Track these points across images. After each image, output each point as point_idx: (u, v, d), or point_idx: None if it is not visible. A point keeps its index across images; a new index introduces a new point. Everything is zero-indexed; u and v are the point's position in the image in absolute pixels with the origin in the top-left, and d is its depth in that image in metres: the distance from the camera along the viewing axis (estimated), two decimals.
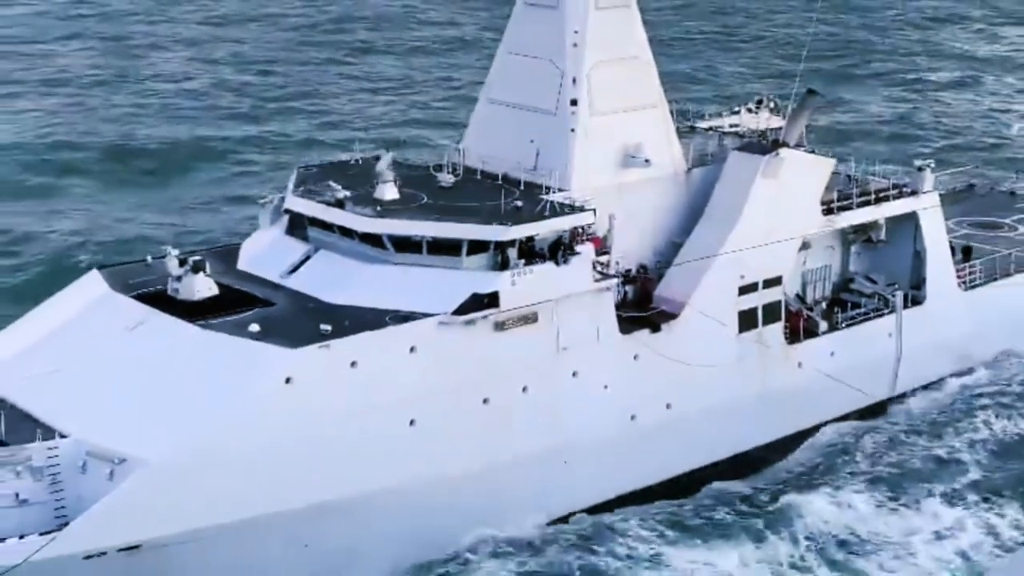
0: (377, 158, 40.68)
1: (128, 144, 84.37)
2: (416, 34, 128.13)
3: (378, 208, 36.92)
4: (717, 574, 37.06)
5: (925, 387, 48.00)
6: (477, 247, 35.91)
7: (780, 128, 45.05)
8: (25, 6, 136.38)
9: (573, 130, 40.60)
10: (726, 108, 48.71)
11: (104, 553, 29.55)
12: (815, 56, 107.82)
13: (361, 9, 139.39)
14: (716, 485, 41.41)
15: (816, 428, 44.66)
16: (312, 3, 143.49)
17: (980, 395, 48.19)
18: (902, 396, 47.20)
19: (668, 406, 39.57)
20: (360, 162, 42.29)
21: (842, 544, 38.80)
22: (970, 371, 49.52)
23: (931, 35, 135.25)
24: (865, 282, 47.34)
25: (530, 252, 36.42)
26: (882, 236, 47.28)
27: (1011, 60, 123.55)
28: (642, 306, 40.47)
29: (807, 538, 38.75)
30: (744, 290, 41.60)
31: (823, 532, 39.08)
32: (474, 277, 35.48)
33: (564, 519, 38.09)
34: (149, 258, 38.84)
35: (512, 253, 35.94)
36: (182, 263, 36.42)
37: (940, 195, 49.04)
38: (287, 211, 39.23)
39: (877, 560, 38.15)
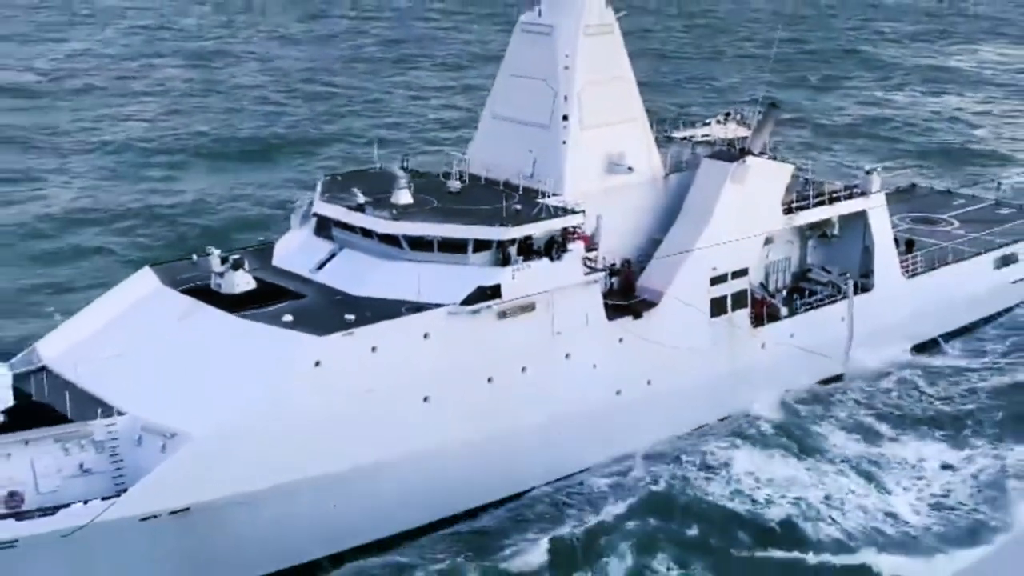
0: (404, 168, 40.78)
1: (224, 138, 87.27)
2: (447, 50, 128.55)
3: (394, 211, 36.82)
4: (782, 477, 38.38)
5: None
6: (481, 245, 35.86)
7: (746, 138, 44.96)
8: (114, 28, 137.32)
9: (565, 142, 40.57)
10: (699, 120, 48.56)
11: (157, 516, 29.63)
12: (783, 66, 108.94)
13: (405, 33, 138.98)
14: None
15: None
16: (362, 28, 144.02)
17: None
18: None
19: (649, 382, 39.57)
20: (380, 169, 42.11)
21: (872, 463, 40.23)
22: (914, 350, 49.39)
23: (886, 48, 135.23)
24: (820, 272, 47.24)
25: (528, 249, 36.37)
26: (835, 232, 47.23)
27: (961, 73, 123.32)
28: (626, 295, 40.37)
29: (842, 460, 40.10)
30: (715, 281, 41.52)
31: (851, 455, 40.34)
32: (479, 272, 35.42)
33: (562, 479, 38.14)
34: (194, 256, 38.73)
35: (512, 250, 35.91)
36: (223, 261, 36.49)
37: (886, 195, 48.87)
38: (315, 214, 39.06)
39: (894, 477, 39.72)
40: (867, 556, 34.96)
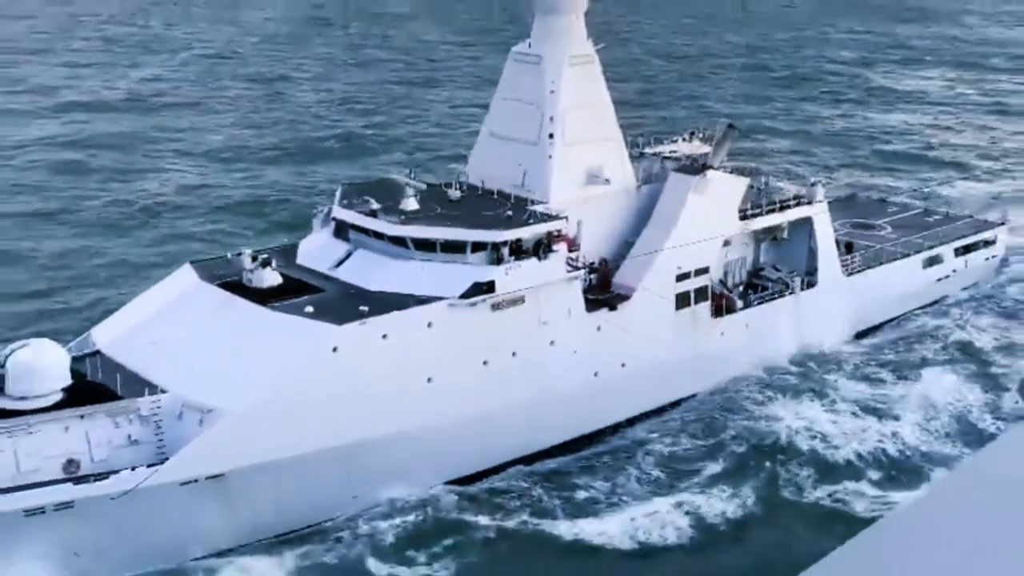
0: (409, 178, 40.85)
1: (301, 139, 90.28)
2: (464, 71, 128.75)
3: (402, 217, 36.79)
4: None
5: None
6: (478, 246, 35.85)
7: (707, 154, 44.74)
8: (184, 55, 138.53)
9: (551, 157, 40.52)
10: (667, 138, 48.51)
11: (196, 480, 29.83)
12: (755, 87, 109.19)
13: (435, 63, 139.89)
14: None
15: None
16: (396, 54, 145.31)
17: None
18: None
19: (623, 365, 39.58)
20: (390, 179, 42.13)
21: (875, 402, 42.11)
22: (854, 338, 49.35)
23: (834, 69, 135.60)
24: (772, 270, 47.26)
25: (519, 250, 36.35)
26: (785, 235, 47.25)
27: (893, 91, 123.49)
28: (603, 290, 40.38)
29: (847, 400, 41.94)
30: (680, 278, 41.49)
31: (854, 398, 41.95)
32: (476, 270, 35.41)
33: (545, 453, 38.07)
34: (228, 255, 38.70)
35: (505, 251, 35.89)
36: (254, 259, 36.40)
37: (828, 203, 48.93)
38: (334, 219, 39.03)
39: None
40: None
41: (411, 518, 33.38)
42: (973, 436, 39.66)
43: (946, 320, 51.38)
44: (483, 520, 33.67)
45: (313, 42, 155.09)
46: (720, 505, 34.80)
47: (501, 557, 32.34)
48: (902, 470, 37.52)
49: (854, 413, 41.14)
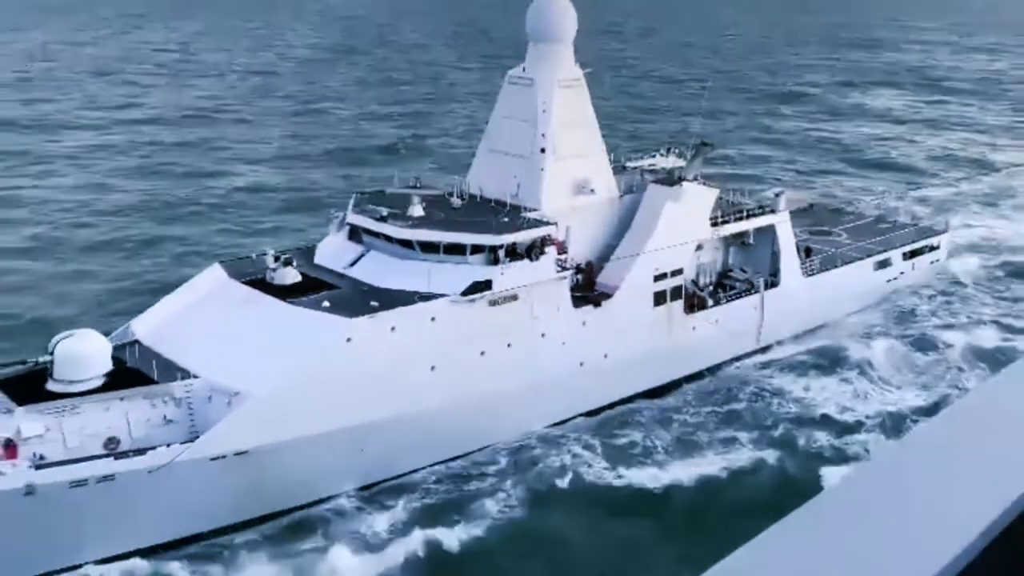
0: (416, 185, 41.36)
1: (342, 146, 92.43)
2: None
3: (409, 222, 36.95)
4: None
5: (778, 343, 47.79)
6: (477, 249, 35.95)
7: (682, 167, 45.13)
8: (231, 77, 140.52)
9: (542, 169, 40.66)
10: (646, 153, 48.60)
11: (224, 456, 29.95)
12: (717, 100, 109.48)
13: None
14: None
15: (707, 370, 44.30)
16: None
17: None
18: (764, 348, 47.10)
19: (605, 356, 39.72)
20: (399, 188, 42.21)
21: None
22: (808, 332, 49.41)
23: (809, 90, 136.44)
24: (739, 272, 47.35)
25: (513, 252, 36.44)
26: (750, 240, 47.36)
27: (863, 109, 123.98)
28: (588, 289, 40.49)
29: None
30: (657, 278, 41.63)
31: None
32: (475, 270, 35.50)
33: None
34: (253, 255, 38.78)
35: (501, 253, 35.96)
36: (276, 259, 36.43)
37: (790, 212, 49.03)
38: (348, 224, 39.10)
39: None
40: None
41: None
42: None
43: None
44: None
45: (342, 65, 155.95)
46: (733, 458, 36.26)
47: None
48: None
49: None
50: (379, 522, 31.74)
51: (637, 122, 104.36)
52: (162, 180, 77.47)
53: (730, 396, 41.48)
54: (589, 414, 39.57)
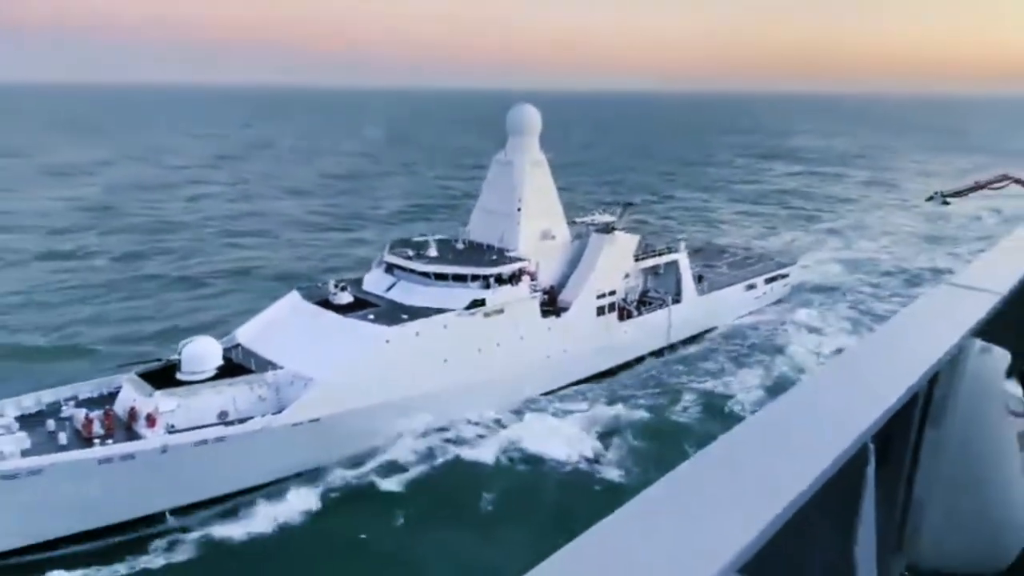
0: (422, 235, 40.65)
1: (393, 208, 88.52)
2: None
3: (428, 259, 36.85)
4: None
5: (683, 341, 47.42)
6: (475, 277, 35.82)
7: (614, 221, 45.10)
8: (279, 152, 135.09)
9: (519, 223, 40.65)
10: (590, 212, 48.24)
11: (302, 423, 29.46)
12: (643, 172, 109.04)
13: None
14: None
15: (636, 360, 43.64)
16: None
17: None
18: (672, 346, 46.62)
19: (565, 351, 39.47)
20: (422, 237, 42.09)
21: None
22: (703, 333, 49.04)
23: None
24: (655, 292, 46.99)
25: (500, 279, 36.34)
26: (661, 271, 47.08)
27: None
28: (552, 305, 40.23)
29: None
30: (599, 296, 41.53)
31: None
32: (474, 291, 35.38)
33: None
34: (320, 284, 38.39)
35: (492, 280, 35.91)
36: (336, 285, 36.13)
37: (688, 251, 49.02)
38: (385, 261, 38.79)
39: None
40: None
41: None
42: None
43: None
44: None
45: (376, 162, 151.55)
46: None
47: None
48: None
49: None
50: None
51: (585, 192, 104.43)
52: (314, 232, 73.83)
53: (649, 378, 41.18)
54: (552, 392, 39.31)
